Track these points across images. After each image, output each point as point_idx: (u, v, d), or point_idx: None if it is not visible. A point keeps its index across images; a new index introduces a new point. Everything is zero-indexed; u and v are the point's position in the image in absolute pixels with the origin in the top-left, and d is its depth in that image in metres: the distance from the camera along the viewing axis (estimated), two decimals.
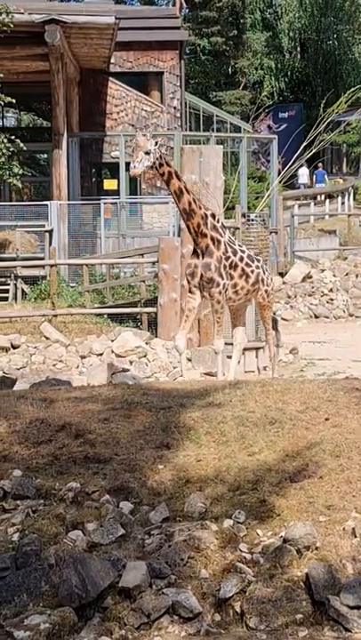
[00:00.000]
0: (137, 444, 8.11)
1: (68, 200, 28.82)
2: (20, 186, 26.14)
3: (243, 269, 13.64)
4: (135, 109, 34.52)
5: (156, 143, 12.65)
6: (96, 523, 7.06)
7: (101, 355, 19.44)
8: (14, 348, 19.60)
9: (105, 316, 23.06)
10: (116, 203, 30.80)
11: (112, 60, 33.16)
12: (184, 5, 51.74)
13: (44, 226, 27.82)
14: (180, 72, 35.21)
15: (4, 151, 23.24)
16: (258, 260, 14.10)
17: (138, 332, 20.97)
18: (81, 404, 9.07)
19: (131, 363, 18.74)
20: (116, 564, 6.55)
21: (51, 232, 27.45)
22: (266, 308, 14.59)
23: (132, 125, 34.30)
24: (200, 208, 13.20)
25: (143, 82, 35.25)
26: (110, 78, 34.25)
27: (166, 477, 7.63)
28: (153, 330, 21.92)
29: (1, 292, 25.79)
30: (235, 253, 13.51)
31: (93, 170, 35.32)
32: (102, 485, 7.50)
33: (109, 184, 33.89)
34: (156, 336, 21.25)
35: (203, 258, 13.20)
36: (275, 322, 15.35)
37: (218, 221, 13.46)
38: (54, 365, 18.80)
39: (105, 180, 34.98)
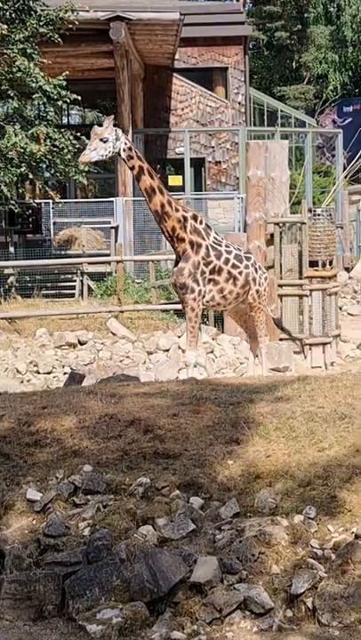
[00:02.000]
0: (206, 440, 8.12)
1: (134, 197, 28.88)
2: (86, 183, 26.25)
3: (229, 272, 13.00)
4: (200, 105, 34.49)
5: (116, 131, 12.23)
6: (166, 518, 7.08)
7: (168, 350, 19.47)
8: (81, 344, 19.71)
9: (171, 311, 23.05)
10: (180, 199, 30.80)
11: (176, 56, 33.15)
12: (248, 0, 51.64)
13: (109, 222, 27.92)
14: (244, 67, 35.10)
15: (70, 148, 23.31)
16: (248, 259, 13.39)
17: (204, 328, 20.92)
18: (150, 399, 9.10)
19: None
20: (187, 559, 6.56)
21: (116, 229, 27.54)
22: (256, 310, 13.75)
23: (197, 121, 34.31)
24: (177, 210, 12.66)
25: (207, 77, 35.18)
26: (175, 74, 34.27)
27: (236, 473, 7.63)
28: (219, 326, 21.89)
29: (67, 288, 25.93)
30: (218, 256, 12.87)
31: (158, 166, 35.35)
32: (172, 481, 7.52)
33: (174, 180, 33.89)
34: (223, 332, 21.24)
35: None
36: (278, 321, 14.56)
37: (201, 223, 12.92)
38: (121, 361, 18.87)
39: (169, 176, 35.01)
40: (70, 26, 23.27)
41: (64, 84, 23.02)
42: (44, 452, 8.13)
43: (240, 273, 13.14)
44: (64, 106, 26.16)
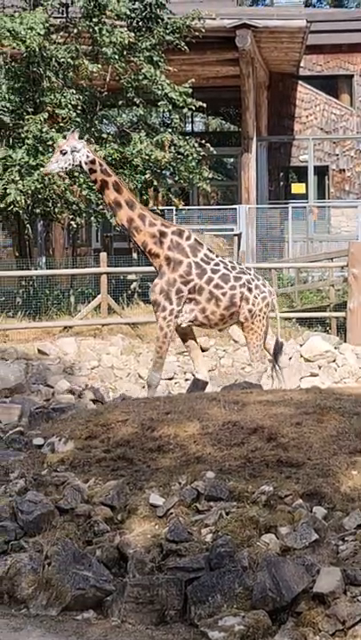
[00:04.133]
0: (330, 449, 8.04)
1: (256, 204, 28.86)
2: (209, 190, 26.31)
3: (210, 292, 12.36)
4: (324, 113, 34.25)
5: (74, 144, 12.18)
6: (289, 527, 7.04)
7: (290, 358, 19.35)
8: (203, 350, 19.68)
9: (293, 319, 22.94)
10: (304, 207, 30.69)
11: (301, 64, 33.04)
12: None
13: (232, 230, 27.92)
14: None
15: (195, 155, 23.45)
16: (238, 279, 12.60)
17: (326, 337, 20.78)
18: (273, 407, 9.05)
19: (319, 367, 18.63)
20: (309, 569, 6.51)
21: (239, 236, 27.52)
22: (248, 330, 12.93)
23: (321, 129, 34.09)
24: (152, 225, 12.31)
25: (333, 85, 34.94)
26: (299, 82, 34.13)
27: (360, 484, 7.54)
28: (342, 334, 21.69)
29: None
30: (201, 275, 12.31)
31: (281, 173, 35.28)
32: (295, 489, 7.47)
33: (297, 188, 33.80)
34: (345, 341, 21.03)
35: None
36: (279, 346, 13.84)
37: (187, 239, 12.45)
38: (242, 369, 18.82)
39: (293, 184, 34.91)
40: (196, 33, 23.40)
41: (190, 91, 23.16)
42: (167, 458, 8.17)
43: (223, 294, 12.49)
44: (188, 113, 26.31)
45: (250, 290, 12.70)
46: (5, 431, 10.00)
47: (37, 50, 21.07)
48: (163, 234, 12.32)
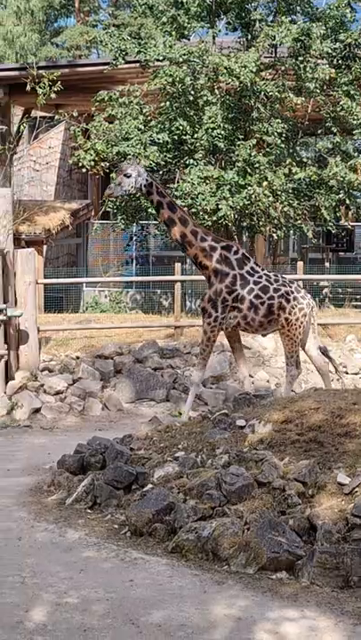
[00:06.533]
0: None
1: None
2: None
3: (251, 302, 11.95)
4: None
5: (139, 169, 11.84)
6: None
7: None
8: None
9: None
10: None
11: None
12: None
13: None
14: None
15: None
16: (277, 291, 12.09)
17: None
18: None
19: None
20: None
21: None
22: (284, 336, 12.44)
23: None
24: (203, 240, 11.92)
25: None
26: None
27: None
28: None
29: None
30: (244, 286, 11.92)
31: None
32: None
33: None
34: None
35: None
36: (324, 350, 13.10)
37: (235, 253, 12.04)
38: None
39: None
40: None
41: None
42: (353, 443, 8.08)
43: (262, 303, 12.07)
44: None
45: (288, 300, 12.29)
46: (212, 413, 10.08)
47: (249, 85, 21.16)
48: (212, 248, 12.04)
